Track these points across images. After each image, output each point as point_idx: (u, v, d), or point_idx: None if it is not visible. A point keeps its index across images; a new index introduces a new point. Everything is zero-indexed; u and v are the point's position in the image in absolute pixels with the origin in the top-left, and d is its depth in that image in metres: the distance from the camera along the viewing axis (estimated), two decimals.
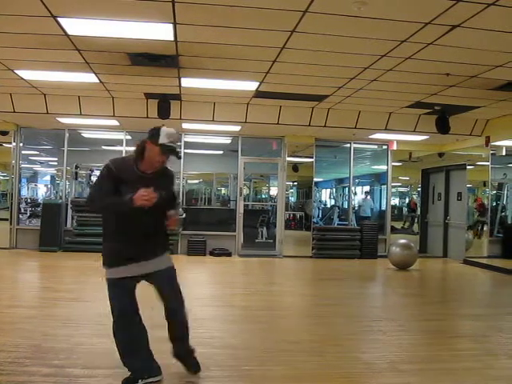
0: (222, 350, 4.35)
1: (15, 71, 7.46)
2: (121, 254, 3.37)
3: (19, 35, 5.84)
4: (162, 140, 3.25)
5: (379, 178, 14.00)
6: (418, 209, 13.90)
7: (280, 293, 7.63)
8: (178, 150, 3.39)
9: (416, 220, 14.33)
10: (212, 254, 11.17)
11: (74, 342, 4.38)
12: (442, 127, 9.31)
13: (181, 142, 11.47)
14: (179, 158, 3.39)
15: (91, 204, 3.44)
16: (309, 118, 9.87)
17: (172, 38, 5.82)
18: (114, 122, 10.44)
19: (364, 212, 13.79)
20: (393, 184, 12.87)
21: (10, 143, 11.15)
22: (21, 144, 11.30)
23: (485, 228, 10.96)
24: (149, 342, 3.50)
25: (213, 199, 15.51)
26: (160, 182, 3.38)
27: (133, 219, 3.30)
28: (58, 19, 5.22)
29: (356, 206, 14.04)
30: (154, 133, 3.30)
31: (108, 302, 3.49)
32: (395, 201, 15.52)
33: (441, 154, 12.45)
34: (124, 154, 11.51)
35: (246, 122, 9.90)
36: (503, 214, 11.32)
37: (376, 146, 12.60)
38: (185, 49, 6.26)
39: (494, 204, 11.20)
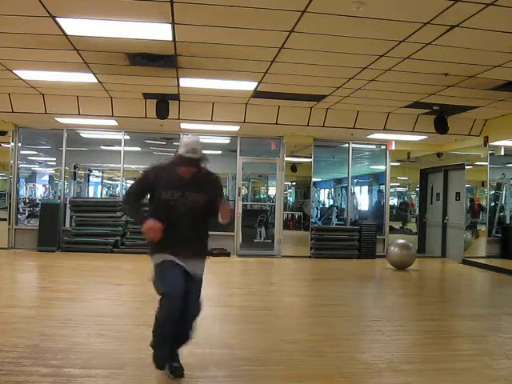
0: (221, 350, 4.35)
1: (14, 71, 7.45)
2: (165, 246, 3.50)
3: (18, 35, 5.83)
4: (180, 151, 3.42)
5: (378, 178, 14.00)
6: (416, 208, 13.91)
7: (279, 293, 7.63)
8: (197, 157, 3.42)
9: (409, 220, 14.36)
10: (211, 253, 11.17)
11: (72, 341, 4.38)
12: (441, 127, 9.31)
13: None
14: (196, 166, 3.44)
15: (124, 199, 4.01)
16: (307, 118, 9.87)
17: (170, 38, 5.81)
18: (112, 122, 10.43)
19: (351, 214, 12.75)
20: (391, 184, 12.87)
21: (9, 143, 11.14)
22: (19, 144, 11.29)
23: (483, 228, 10.98)
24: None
25: None
26: (201, 187, 3.54)
27: (172, 221, 3.47)
28: (57, 19, 5.22)
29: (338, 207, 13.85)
30: (179, 143, 3.52)
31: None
32: (393, 201, 15.52)
33: (439, 154, 12.46)
34: (122, 154, 11.55)
35: (244, 122, 9.90)
36: (502, 214, 11.33)
37: (374, 146, 12.60)
38: (183, 49, 6.26)
39: (493, 204, 11.21)
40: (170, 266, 3.47)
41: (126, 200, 3.89)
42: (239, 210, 11.74)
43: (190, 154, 3.38)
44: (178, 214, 3.47)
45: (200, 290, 3.65)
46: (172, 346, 3.55)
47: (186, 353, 3.75)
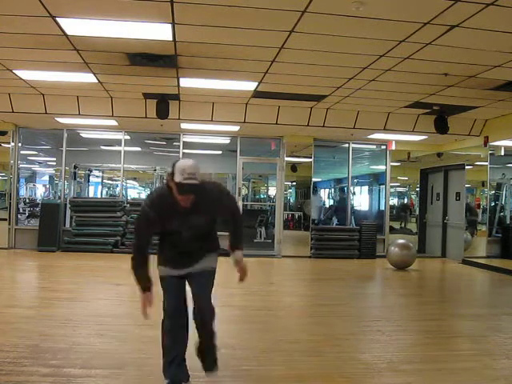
0: (221, 350, 4.34)
1: (14, 71, 7.45)
2: (167, 261, 3.47)
3: (18, 35, 5.84)
4: (177, 178, 2.99)
5: (378, 178, 14.00)
6: (416, 209, 13.91)
7: (279, 293, 7.63)
8: (197, 183, 3.01)
9: (409, 219, 14.35)
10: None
11: (72, 341, 4.38)
12: (441, 127, 9.31)
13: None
14: (196, 192, 3.06)
15: (132, 253, 3.34)
16: (307, 118, 9.87)
17: (170, 38, 5.81)
18: (112, 122, 10.43)
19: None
20: (391, 184, 12.86)
21: (9, 143, 11.14)
22: (19, 144, 11.29)
23: (483, 228, 10.98)
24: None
25: None
26: (201, 209, 3.26)
27: (177, 243, 3.38)
28: (57, 19, 5.22)
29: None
30: (172, 169, 3.06)
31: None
32: (394, 201, 15.52)
33: (439, 154, 12.47)
34: (122, 154, 11.54)
35: (244, 122, 9.89)
36: (502, 214, 11.33)
37: (374, 146, 12.60)
38: (183, 49, 6.26)
39: (493, 204, 11.21)
40: (169, 284, 3.43)
41: (133, 256, 3.32)
42: None
43: (188, 180, 2.97)
44: (182, 238, 3.37)
45: (208, 285, 3.57)
46: (179, 362, 3.46)
47: (186, 353, 3.75)
